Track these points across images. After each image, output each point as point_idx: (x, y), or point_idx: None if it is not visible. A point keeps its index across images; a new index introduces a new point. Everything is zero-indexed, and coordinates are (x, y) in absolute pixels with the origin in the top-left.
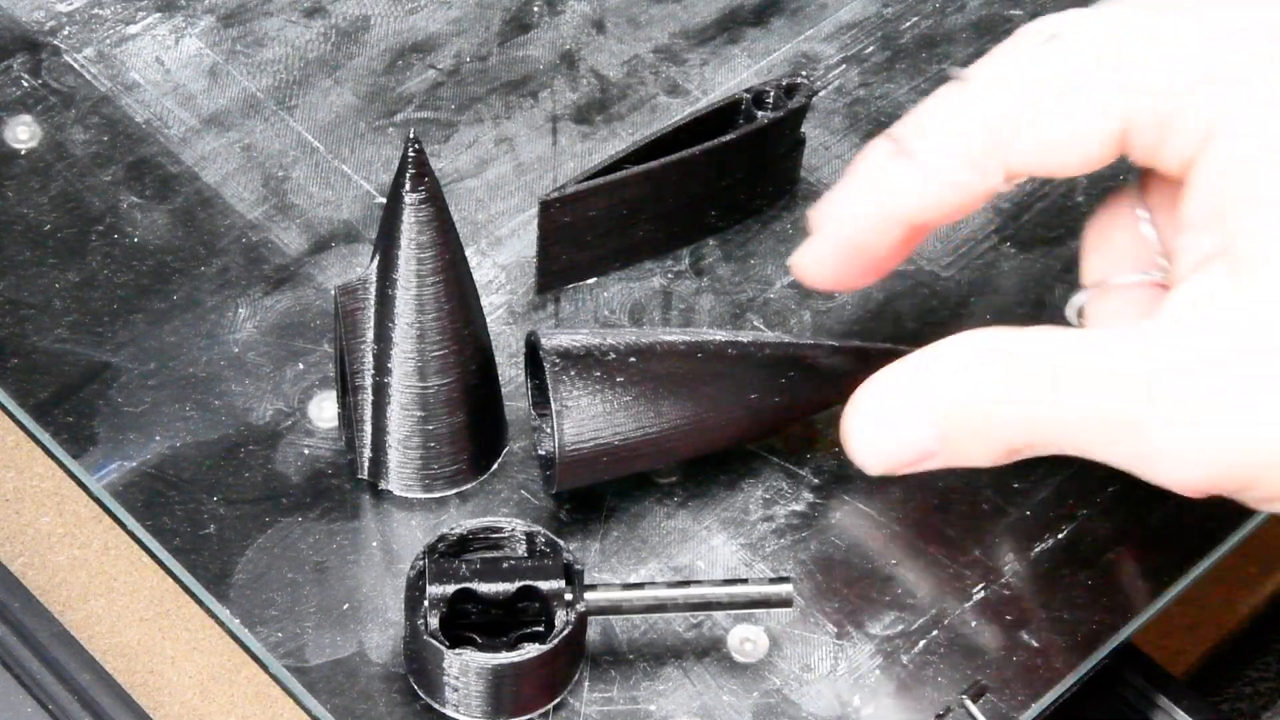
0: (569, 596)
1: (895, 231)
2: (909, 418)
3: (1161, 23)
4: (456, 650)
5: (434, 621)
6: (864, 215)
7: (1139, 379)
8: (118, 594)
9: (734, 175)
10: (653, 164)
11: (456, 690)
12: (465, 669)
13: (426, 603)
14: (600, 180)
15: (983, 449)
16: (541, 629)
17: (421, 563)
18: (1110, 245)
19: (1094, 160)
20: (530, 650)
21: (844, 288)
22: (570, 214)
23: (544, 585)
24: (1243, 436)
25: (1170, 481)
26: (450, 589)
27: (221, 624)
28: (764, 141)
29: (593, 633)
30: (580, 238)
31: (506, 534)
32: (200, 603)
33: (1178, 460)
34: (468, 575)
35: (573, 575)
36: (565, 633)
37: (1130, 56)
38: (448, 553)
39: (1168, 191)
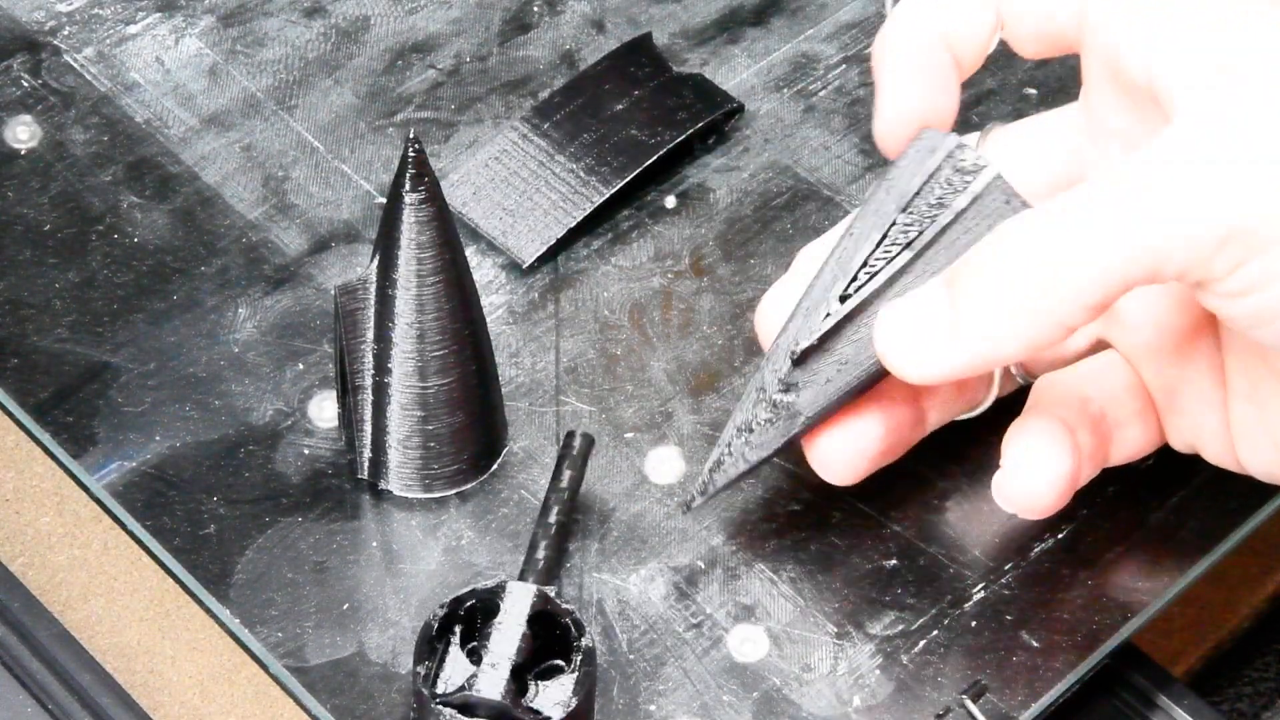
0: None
1: (945, 57)
2: (979, 302)
3: None
4: None
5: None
6: (915, 43)
7: (1189, 169)
8: (118, 594)
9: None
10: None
11: None
12: None
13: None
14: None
15: (1062, 311)
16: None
17: (436, 622)
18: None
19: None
20: None
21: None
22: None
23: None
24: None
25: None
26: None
27: (221, 624)
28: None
29: (593, 632)
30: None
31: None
32: (200, 603)
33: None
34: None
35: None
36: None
37: None
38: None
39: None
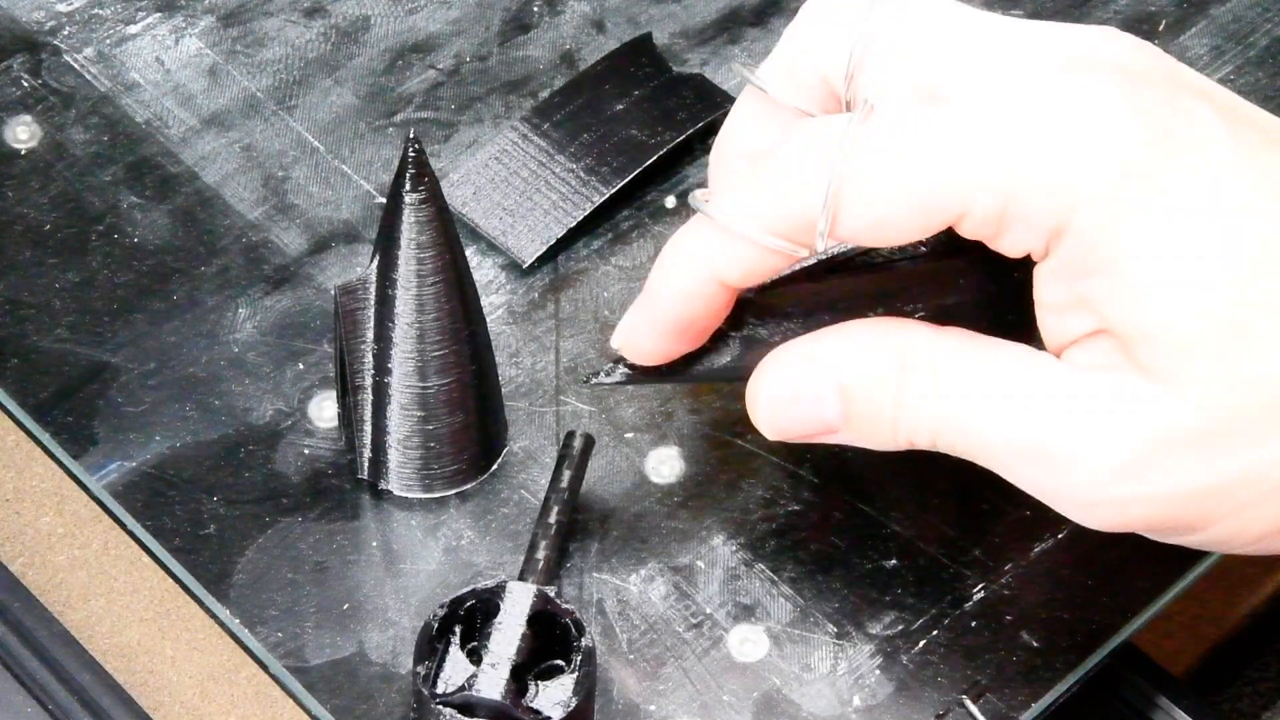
0: (574, 675)
1: (719, 297)
2: (817, 390)
3: (992, 102)
4: None
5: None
6: (684, 290)
7: (1059, 412)
8: (118, 594)
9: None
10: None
11: None
12: None
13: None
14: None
15: (885, 437)
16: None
17: (436, 623)
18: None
19: (918, 237)
20: None
21: (670, 356)
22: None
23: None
24: (1157, 501)
25: (1076, 518)
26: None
27: (221, 624)
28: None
29: (593, 632)
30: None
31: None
32: (200, 603)
33: (1087, 505)
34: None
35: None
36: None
37: (967, 138)
38: (453, 622)
39: None
